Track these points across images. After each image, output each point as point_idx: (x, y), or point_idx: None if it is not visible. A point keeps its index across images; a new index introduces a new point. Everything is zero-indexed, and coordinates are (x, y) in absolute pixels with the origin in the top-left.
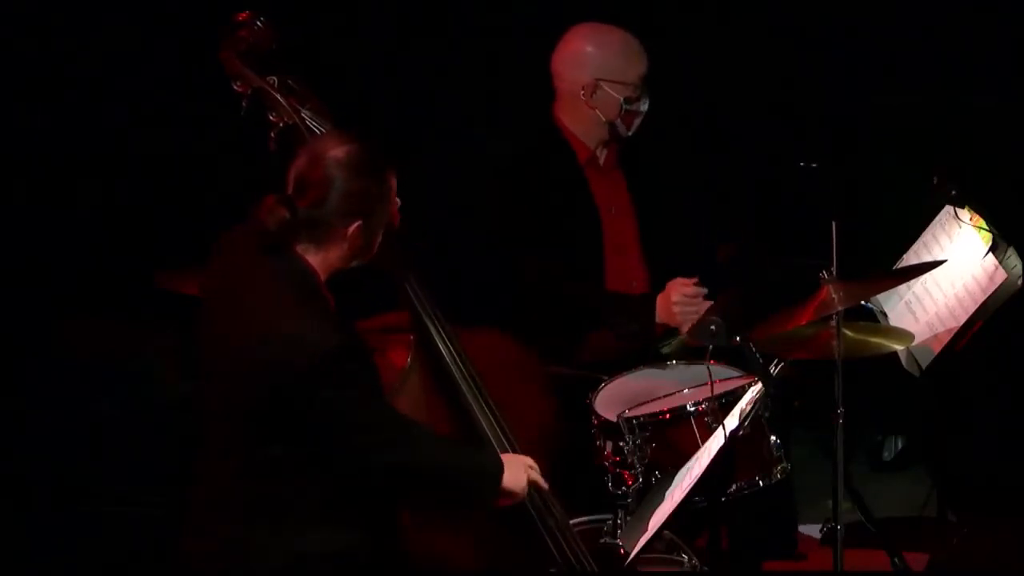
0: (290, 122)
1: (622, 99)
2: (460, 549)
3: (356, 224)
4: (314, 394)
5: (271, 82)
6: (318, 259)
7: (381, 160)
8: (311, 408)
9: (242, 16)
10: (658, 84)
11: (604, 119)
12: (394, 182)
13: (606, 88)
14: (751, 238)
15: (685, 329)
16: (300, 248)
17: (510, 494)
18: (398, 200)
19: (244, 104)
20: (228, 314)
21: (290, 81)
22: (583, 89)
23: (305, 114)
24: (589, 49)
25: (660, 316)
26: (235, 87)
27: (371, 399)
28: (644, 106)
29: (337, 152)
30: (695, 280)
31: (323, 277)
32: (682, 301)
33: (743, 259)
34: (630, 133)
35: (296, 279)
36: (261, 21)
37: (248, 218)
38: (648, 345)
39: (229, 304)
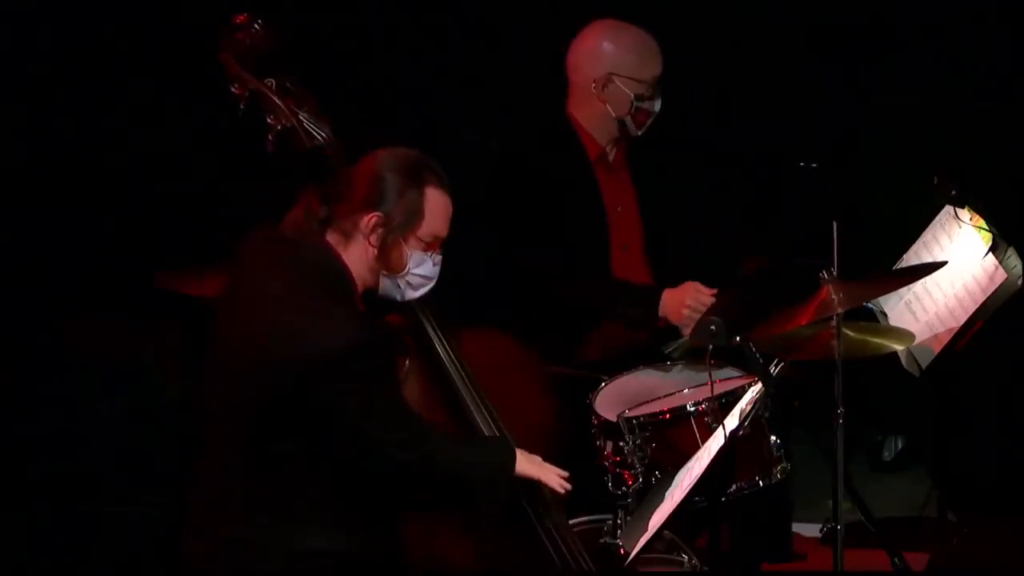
0: (288, 124)
1: (633, 95)
2: (460, 549)
3: (372, 215)
4: (318, 392)
5: (269, 84)
6: (348, 256)
7: (425, 169)
8: (317, 405)
9: (240, 18)
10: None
11: (614, 115)
12: (435, 198)
13: (618, 83)
14: (751, 238)
15: (687, 332)
16: (332, 240)
17: (525, 478)
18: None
19: (242, 106)
20: (238, 311)
21: (288, 83)
22: (595, 82)
23: (303, 116)
24: (605, 44)
25: (666, 311)
26: (233, 89)
27: (384, 399)
28: (656, 107)
29: (390, 151)
30: (714, 292)
31: (354, 276)
32: (694, 307)
33: (769, 273)
34: (640, 133)
35: (316, 273)
36: (259, 23)
37: (278, 218)
38: (651, 341)
39: (240, 302)
